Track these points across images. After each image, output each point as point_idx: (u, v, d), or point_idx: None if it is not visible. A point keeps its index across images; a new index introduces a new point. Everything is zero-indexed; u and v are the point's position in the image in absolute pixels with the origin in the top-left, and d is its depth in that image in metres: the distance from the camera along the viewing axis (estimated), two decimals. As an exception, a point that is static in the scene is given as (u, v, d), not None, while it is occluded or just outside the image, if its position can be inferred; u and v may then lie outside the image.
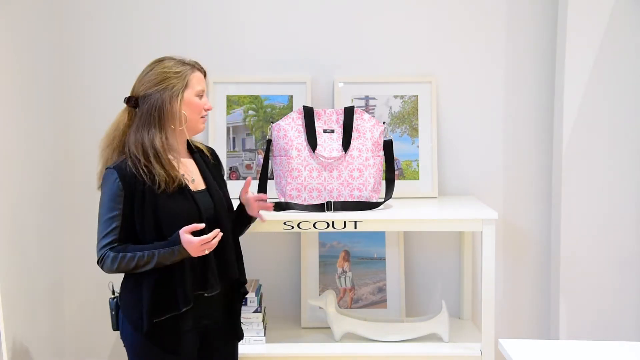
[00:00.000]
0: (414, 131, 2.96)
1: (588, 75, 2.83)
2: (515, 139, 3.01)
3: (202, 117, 2.21)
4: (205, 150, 2.35)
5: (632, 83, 2.83)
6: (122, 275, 2.20)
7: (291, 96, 2.95)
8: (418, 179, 2.94)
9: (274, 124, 2.64)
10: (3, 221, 2.50)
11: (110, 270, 2.09)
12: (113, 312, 2.21)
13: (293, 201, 2.57)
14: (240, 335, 2.34)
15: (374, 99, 2.96)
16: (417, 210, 2.66)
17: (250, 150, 2.94)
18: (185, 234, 2.05)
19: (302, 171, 2.57)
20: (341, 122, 2.64)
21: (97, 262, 2.11)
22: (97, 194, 2.98)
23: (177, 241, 2.06)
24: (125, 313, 2.16)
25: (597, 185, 2.88)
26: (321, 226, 2.54)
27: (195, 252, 2.07)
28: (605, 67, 2.82)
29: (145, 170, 2.08)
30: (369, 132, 2.63)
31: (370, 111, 2.96)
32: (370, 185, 2.59)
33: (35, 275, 2.77)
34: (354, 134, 2.62)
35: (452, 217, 2.58)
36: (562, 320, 2.91)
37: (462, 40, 2.98)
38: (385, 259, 2.96)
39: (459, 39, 2.98)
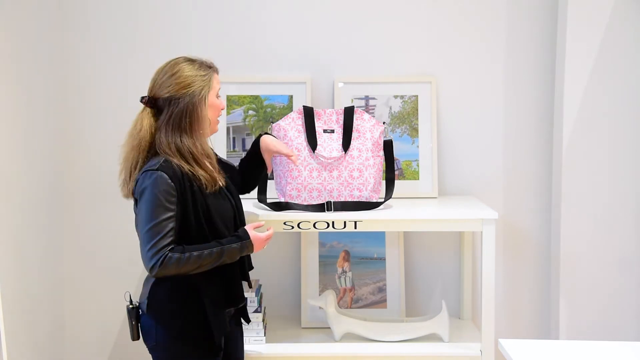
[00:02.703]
0: (414, 131, 2.96)
1: (588, 75, 2.83)
2: (515, 139, 3.01)
3: (218, 117, 2.24)
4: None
5: (632, 83, 2.83)
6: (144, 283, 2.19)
7: (291, 96, 2.95)
8: (418, 179, 2.94)
9: (273, 124, 2.63)
10: (3, 221, 2.50)
11: (167, 273, 2.03)
12: (133, 322, 2.17)
13: (293, 201, 2.57)
14: (247, 319, 2.40)
15: (374, 99, 2.96)
16: (417, 210, 2.66)
17: (250, 150, 2.94)
18: (252, 229, 2.18)
19: (302, 171, 2.56)
20: (341, 122, 2.64)
21: (154, 266, 2.01)
22: (97, 194, 3.01)
23: (246, 236, 2.14)
24: (163, 322, 2.13)
25: (597, 185, 2.88)
26: (321, 226, 2.54)
27: (258, 248, 2.18)
28: (605, 67, 2.83)
29: (192, 171, 2.09)
30: (369, 132, 2.62)
31: (370, 111, 2.96)
32: (370, 185, 2.59)
33: (35, 275, 2.77)
34: (354, 134, 2.62)
35: (452, 217, 2.58)
36: (562, 320, 2.91)
37: (462, 40, 2.98)
38: (385, 259, 2.96)
39: (459, 39, 2.98)
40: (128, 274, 3.03)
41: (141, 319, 2.17)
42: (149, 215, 2.03)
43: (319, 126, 2.63)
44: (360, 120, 2.64)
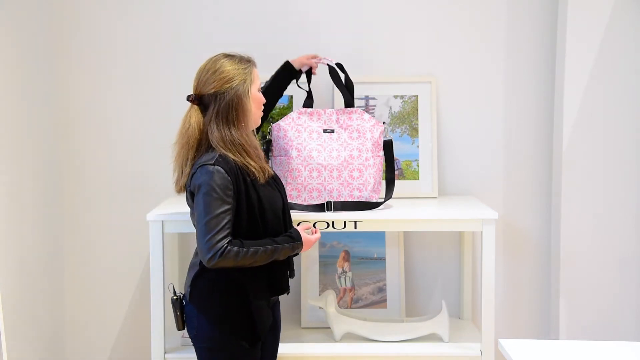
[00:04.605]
0: (414, 131, 2.96)
1: (588, 75, 2.83)
2: (515, 139, 3.01)
3: (261, 110, 2.29)
4: None
5: (632, 83, 2.84)
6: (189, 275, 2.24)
7: (291, 96, 2.95)
8: (418, 179, 2.95)
9: (273, 124, 2.63)
10: (3, 221, 2.50)
11: (225, 264, 2.08)
12: (178, 312, 2.24)
13: (293, 201, 2.57)
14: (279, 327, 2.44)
15: (374, 99, 2.96)
16: (417, 210, 2.66)
17: (250, 150, 2.94)
18: (303, 231, 2.27)
19: (302, 171, 2.56)
20: (341, 121, 2.64)
21: (214, 255, 2.06)
22: (97, 195, 3.01)
23: (299, 238, 2.23)
24: (205, 311, 2.17)
25: (597, 185, 2.88)
26: (321, 226, 2.54)
27: (306, 248, 2.26)
28: (605, 67, 2.83)
29: (245, 163, 2.15)
30: (369, 132, 2.61)
31: (370, 111, 2.96)
32: (370, 185, 2.59)
33: (35, 275, 2.77)
34: (354, 134, 2.61)
35: (452, 217, 2.58)
36: (562, 320, 2.91)
37: (462, 40, 2.98)
38: (385, 259, 2.96)
39: (459, 39, 2.98)
40: (128, 274, 3.04)
41: (185, 309, 2.23)
42: (207, 208, 2.07)
43: (318, 126, 2.63)
44: (361, 120, 2.64)
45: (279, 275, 2.27)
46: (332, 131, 2.63)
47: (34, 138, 2.77)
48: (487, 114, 3.01)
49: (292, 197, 2.58)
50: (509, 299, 3.05)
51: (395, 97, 2.97)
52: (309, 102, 2.71)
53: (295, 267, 3.00)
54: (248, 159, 2.16)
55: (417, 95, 2.97)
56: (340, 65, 2.68)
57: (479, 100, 3.00)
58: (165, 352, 2.57)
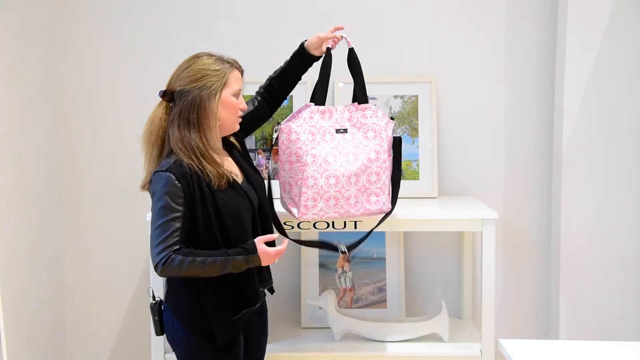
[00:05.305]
0: (414, 131, 2.96)
1: (588, 75, 2.83)
2: (515, 139, 3.01)
3: (238, 116, 2.18)
4: (234, 142, 2.31)
5: (632, 83, 2.83)
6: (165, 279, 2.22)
7: (291, 96, 2.95)
8: (418, 179, 2.94)
9: (282, 126, 2.36)
10: (3, 221, 2.50)
11: (169, 274, 2.01)
12: (156, 318, 2.17)
13: (308, 212, 2.33)
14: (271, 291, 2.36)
15: (374, 99, 2.96)
16: (417, 210, 2.66)
17: (251, 150, 2.93)
18: (261, 243, 2.09)
19: (319, 179, 2.31)
20: (354, 120, 2.40)
21: (158, 264, 2.00)
22: (97, 195, 3.01)
23: (254, 250, 2.07)
24: (180, 316, 2.13)
25: (597, 185, 2.88)
26: (321, 226, 2.53)
27: (266, 262, 2.09)
28: (605, 67, 2.83)
29: (200, 167, 2.06)
30: (384, 131, 2.40)
31: (370, 111, 2.95)
32: (386, 189, 2.39)
33: (35, 275, 2.77)
34: (370, 134, 2.39)
35: (452, 217, 2.58)
36: (562, 320, 2.91)
37: (462, 40, 2.98)
38: (385, 259, 2.96)
39: (459, 39, 2.98)
40: (128, 275, 3.04)
41: (163, 314, 2.18)
42: (156, 215, 2.03)
43: (330, 125, 2.38)
44: (375, 118, 2.41)
45: (246, 286, 2.15)
46: (345, 131, 2.39)
47: (34, 138, 2.77)
48: (487, 114, 3.01)
49: (308, 207, 2.33)
50: (509, 299, 3.05)
51: (395, 97, 2.97)
52: (322, 91, 2.40)
53: (294, 267, 3.02)
54: (205, 164, 2.07)
55: (417, 95, 2.97)
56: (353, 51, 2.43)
57: (479, 100, 3.00)
58: (165, 352, 2.57)
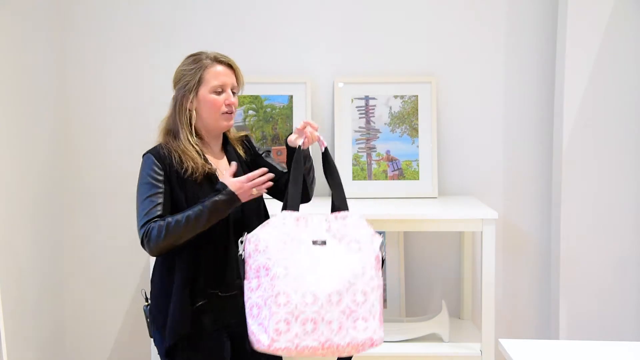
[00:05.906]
0: (414, 131, 2.96)
1: (588, 75, 2.83)
2: (515, 139, 3.01)
3: (223, 113, 2.13)
4: (239, 145, 2.25)
5: (632, 83, 2.84)
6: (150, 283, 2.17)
7: (291, 96, 2.95)
8: (418, 179, 2.94)
9: (248, 234, 1.97)
10: (3, 221, 2.50)
11: (156, 245, 1.98)
12: (148, 320, 2.16)
13: (280, 338, 1.86)
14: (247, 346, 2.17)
15: (374, 99, 2.96)
16: (417, 210, 2.66)
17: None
18: (229, 177, 2.03)
19: (292, 295, 1.87)
20: (333, 230, 1.98)
21: (143, 240, 1.99)
22: (97, 195, 3.01)
23: (224, 186, 2.01)
24: (153, 320, 2.13)
25: (597, 185, 2.88)
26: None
27: (245, 194, 2.02)
28: (605, 67, 2.83)
29: (176, 155, 2.07)
30: (370, 243, 2.00)
31: (370, 111, 2.95)
32: (377, 313, 1.95)
33: (35, 276, 2.77)
34: (354, 245, 1.98)
35: (452, 217, 2.58)
36: (562, 320, 2.91)
37: (462, 40, 2.99)
38: (385, 259, 2.95)
39: (459, 39, 2.98)
40: (128, 275, 3.04)
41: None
42: (138, 193, 2.06)
43: (306, 236, 1.97)
44: (358, 228, 2.00)
45: (220, 268, 2.07)
46: (324, 243, 1.97)
47: (34, 138, 2.77)
48: (487, 114, 3.01)
49: (280, 331, 1.86)
50: (509, 299, 3.05)
51: (395, 97, 2.97)
52: (295, 194, 2.01)
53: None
54: (185, 157, 2.07)
55: (417, 95, 2.97)
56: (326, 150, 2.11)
57: (479, 100, 3.00)
58: (165, 352, 2.55)
